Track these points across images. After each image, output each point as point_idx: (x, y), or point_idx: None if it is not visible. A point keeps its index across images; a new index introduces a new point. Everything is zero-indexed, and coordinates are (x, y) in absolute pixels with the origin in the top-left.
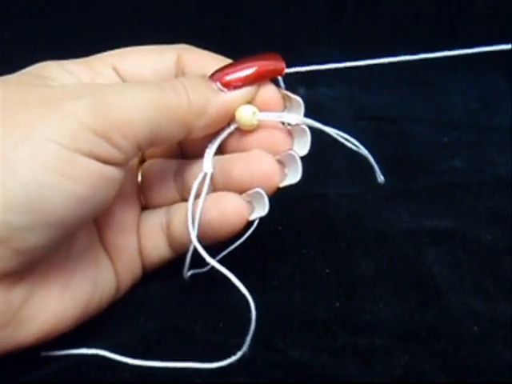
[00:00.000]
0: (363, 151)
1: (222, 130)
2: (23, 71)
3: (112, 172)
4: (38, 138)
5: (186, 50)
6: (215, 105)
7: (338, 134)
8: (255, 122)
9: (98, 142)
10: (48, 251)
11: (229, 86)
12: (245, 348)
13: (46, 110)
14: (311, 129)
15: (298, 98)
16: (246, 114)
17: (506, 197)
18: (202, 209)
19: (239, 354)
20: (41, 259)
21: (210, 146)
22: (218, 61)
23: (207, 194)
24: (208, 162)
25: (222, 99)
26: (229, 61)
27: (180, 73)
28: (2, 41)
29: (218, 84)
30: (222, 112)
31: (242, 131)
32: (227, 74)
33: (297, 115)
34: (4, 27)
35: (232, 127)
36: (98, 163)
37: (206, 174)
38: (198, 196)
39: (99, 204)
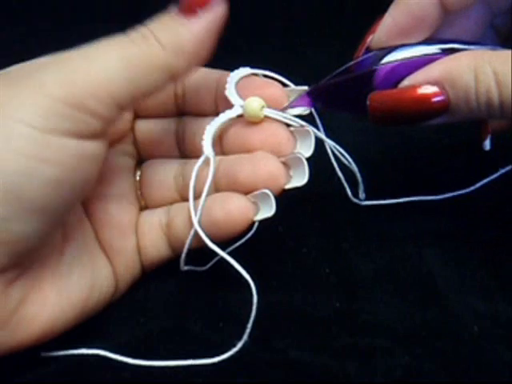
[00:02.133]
0: (353, 168)
1: (223, 112)
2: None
3: (91, 148)
4: (7, 120)
5: None
6: (189, 38)
7: (334, 147)
8: (261, 116)
9: (72, 114)
10: (38, 240)
11: (192, 10)
12: (245, 337)
13: (13, 88)
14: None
15: (304, 87)
16: (255, 106)
17: (507, 196)
18: (205, 202)
19: (239, 344)
20: (33, 251)
21: (208, 127)
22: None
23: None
24: (208, 144)
25: (194, 29)
26: (219, 72)
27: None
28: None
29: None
30: (199, 43)
31: (244, 125)
32: None
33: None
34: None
35: (234, 114)
36: (75, 141)
37: (207, 158)
38: (200, 195)
39: (82, 184)
